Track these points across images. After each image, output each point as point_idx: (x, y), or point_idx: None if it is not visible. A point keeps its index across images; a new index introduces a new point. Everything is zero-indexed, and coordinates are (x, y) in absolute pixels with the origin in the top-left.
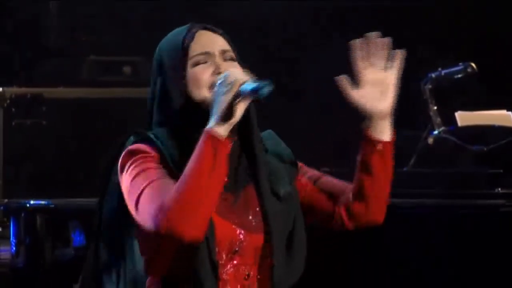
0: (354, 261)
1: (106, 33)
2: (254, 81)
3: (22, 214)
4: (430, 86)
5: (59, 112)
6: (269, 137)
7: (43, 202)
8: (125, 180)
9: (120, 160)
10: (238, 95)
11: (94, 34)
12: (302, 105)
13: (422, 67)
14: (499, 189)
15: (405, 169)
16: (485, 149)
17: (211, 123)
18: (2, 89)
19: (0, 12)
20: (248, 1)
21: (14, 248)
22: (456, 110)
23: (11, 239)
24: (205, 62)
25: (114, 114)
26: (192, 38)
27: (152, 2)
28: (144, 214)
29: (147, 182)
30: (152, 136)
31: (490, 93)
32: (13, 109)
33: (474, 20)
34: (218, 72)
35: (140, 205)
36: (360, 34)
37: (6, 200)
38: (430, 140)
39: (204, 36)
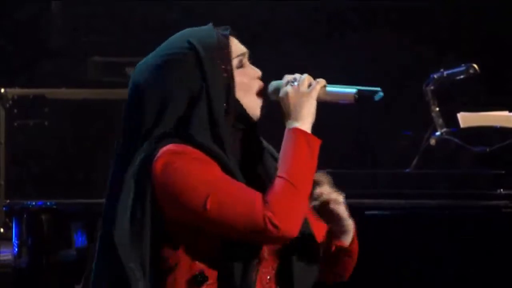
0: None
1: (109, 33)
2: (346, 86)
3: (25, 215)
4: (432, 87)
5: (61, 113)
6: None
7: (45, 202)
8: (177, 184)
9: (158, 163)
10: (320, 99)
11: (96, 34)
12: None
13: (424, 68)
14: (501, 190)
15: (407, 170)
16: (487, 150)
17: (298, 123)
18: (4, 90)
19: (1, 12)
20: (248, 1)
21: (16, 249)
22: (458, 111)
23: (14, 240)
24: (246, 63)
25: (116, 115)
26: (228, 39)
27: (153, 2)
28: (238, 214)
29: (216, 182)
30: (199, 139)
31: (492, 94)
32: (15, 110)
33: (475, 20)
34: (258, 75)
35: (225, 207)
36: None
37: (8, 201)
38: (432, 141)
39: (234, 39)
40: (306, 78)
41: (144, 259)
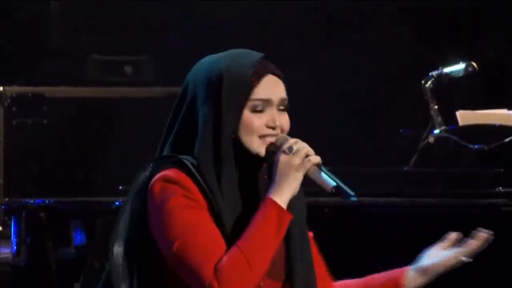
0: (354, 260)
1: (108, 32)
2: (332, 177)
3: (23, 213)
4: (431, 85)
5: (60, 111)
6: None
7: (44, 201)
8: (161, 213)
9: (154, 185)
10: (309, 175)
11: (96, 33)
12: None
13: (424, 68)
14: (500, 188)
15: (405, 168)
16: (486, 148)
17: (277, 194)
18: (3, 88)
19: (1, 11)
20: (248, 1)
21: (15, 247)
22: (457, 109)
23: (12, 238)
24: (263, 109)
25: (115, 114)
26: (259, 80)
27: (153, 2)
28: (190, 270)
29: (192, 229)
30: (192, 168)
31: (491, 92)
32: (14, 108)
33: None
34: (272, 126)
35: (184, 254)
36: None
37: (7, 199)
38: (431, 139)
39: (270, 81)
40: (302, 151)
41: (135, 277)
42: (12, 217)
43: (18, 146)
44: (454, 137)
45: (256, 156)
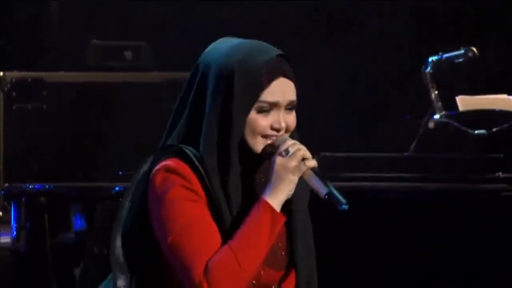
0: (355, 244)
1: (108, 17)
2: (327, 184)
3: (23, 198)
4: (431, 71)
5: (60, 97)
6: None
7: (44, 186)
8: (161, 204)
9: (155, 175)
10: (304, 178)
11: (96, 18)
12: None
13: (416, 50)
14: (500, 173)
15: (406, 153)
16: (486, 133)
17: (271, 195)
18: (3, 73)
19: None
20: (248, 1)
21: (15, 232)
22: (457, 95)
23: (12, 223)
24: (270, 111)
25: (115, 99)
26: (270, 82)
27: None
28: (182, 265)
29: (188, 224)
30: (194, 159)
31: (491, 77)
32: (14, 93)
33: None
34: (276, 127)
35: (177, 249)
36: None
37: (6, 184)
38: (431, 125)
39: (280, 84)
40: (298, 154)
41: (134, 269)
42: (12, 202)
43: (17, 131)
44: (454, 123)
45: (258, 156)
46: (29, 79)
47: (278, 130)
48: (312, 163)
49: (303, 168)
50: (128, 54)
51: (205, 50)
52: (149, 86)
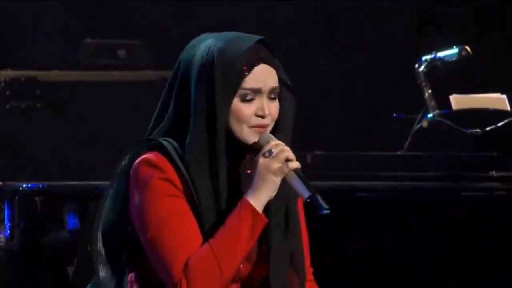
0: (349, 245)
1: (102, 15)
2: (306, 180)
3: (17, 197)
4: (424, 69)
5: (53, 95)
6: None
7: (37, 184)
8: (141, 198)
9: (136, 168)
10: (287, 180)
11: (90, 16)
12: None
13: (416, 50)
14: (494, 172)
15: (399, 152)
16: (480, 132)
17: (253, 196)
18: None
19: None
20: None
21: (8, 231)
22: (451, 93)
23: (6, 222)
24: (253, 99)
25: (109, 97)
26: (250, 69)
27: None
28: (161, 261)
29: (168, 219)
30: (173, 153)
31: (484, 76)
32: (8, 92)
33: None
34: (260, 114)
35: (156, 245)
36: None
37: (0, 183)
38: (425, 124)
39: (261, 71)
40: (281, 155)
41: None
42: (6, 200)
43: (11, 129)
44: (448, 121)
45: (245, 145)
46: (23, 78)
47: (262, 117)
48: (295, 164)
49: (286, 170)
50: (122, 53)
51: (187, 45)
52: (143, 84)
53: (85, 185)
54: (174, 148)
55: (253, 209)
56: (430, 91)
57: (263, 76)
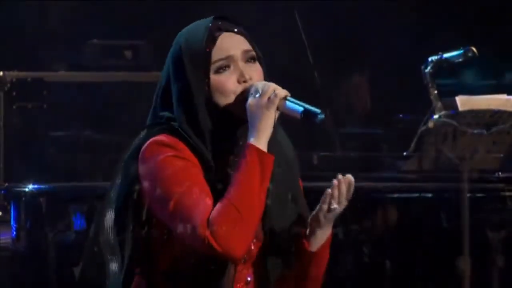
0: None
1: (108, 16)
2: (299, 102)
3: (23, 198)
4: (430, 70)
5: (60, 96)
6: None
7: (43, 186)
8: (154, 173)
9: (145, 150)
10: (279, 110)
11: (96, 17)
12: None
13: (423, 51)
14: (499, 173)
15: (405, 153)
16: (486, 133)
17: (254, 137)
18: (3, 73)
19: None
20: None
21: (15, 232)
22: (457, 94)
23: (12, 223)
24: (228, 67)
25: (115, 98)
26: (214, 43)
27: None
28: (185, 225)
29: (185, 186)
30: (182, 131)
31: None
32: (14, 93)
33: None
34: (243, 80)
35: (179, 212)
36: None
37: (6, 184)
38: (431, 124)
39: (226, 39)
40: (268, 89)
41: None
42: (12, 202)
43: (18, 130)
44: (454, 122)
45: (239, 116)
46: (29, 79)
47: (245, 82)
48: (283, 92)
49: (276, 100)
50: (127, 53)
51: None
52: (149, 85)
53: (91, 186)
54: (185, 131)
55: (257, 149)
56: (436, 92)
57: (229, 43)
